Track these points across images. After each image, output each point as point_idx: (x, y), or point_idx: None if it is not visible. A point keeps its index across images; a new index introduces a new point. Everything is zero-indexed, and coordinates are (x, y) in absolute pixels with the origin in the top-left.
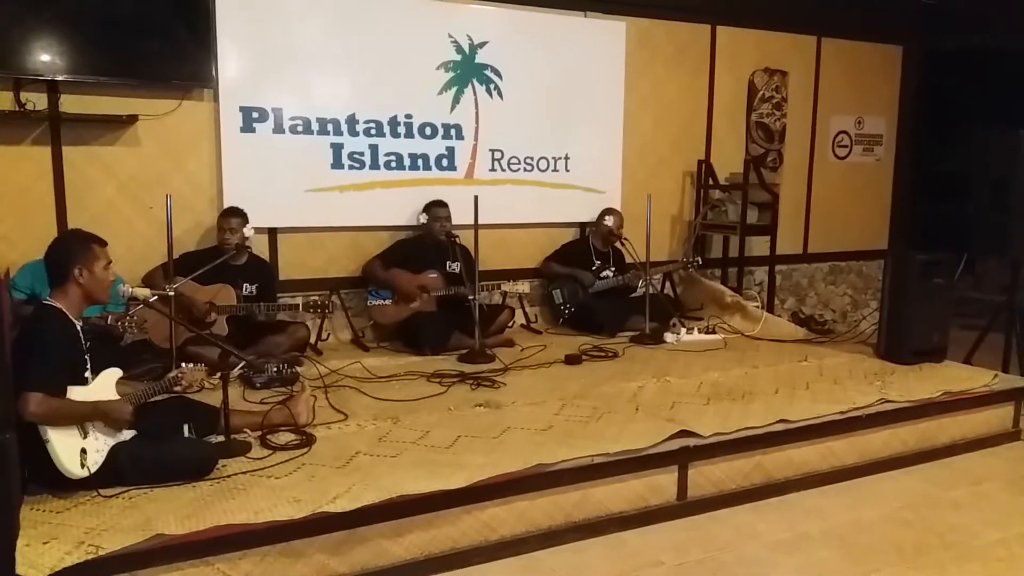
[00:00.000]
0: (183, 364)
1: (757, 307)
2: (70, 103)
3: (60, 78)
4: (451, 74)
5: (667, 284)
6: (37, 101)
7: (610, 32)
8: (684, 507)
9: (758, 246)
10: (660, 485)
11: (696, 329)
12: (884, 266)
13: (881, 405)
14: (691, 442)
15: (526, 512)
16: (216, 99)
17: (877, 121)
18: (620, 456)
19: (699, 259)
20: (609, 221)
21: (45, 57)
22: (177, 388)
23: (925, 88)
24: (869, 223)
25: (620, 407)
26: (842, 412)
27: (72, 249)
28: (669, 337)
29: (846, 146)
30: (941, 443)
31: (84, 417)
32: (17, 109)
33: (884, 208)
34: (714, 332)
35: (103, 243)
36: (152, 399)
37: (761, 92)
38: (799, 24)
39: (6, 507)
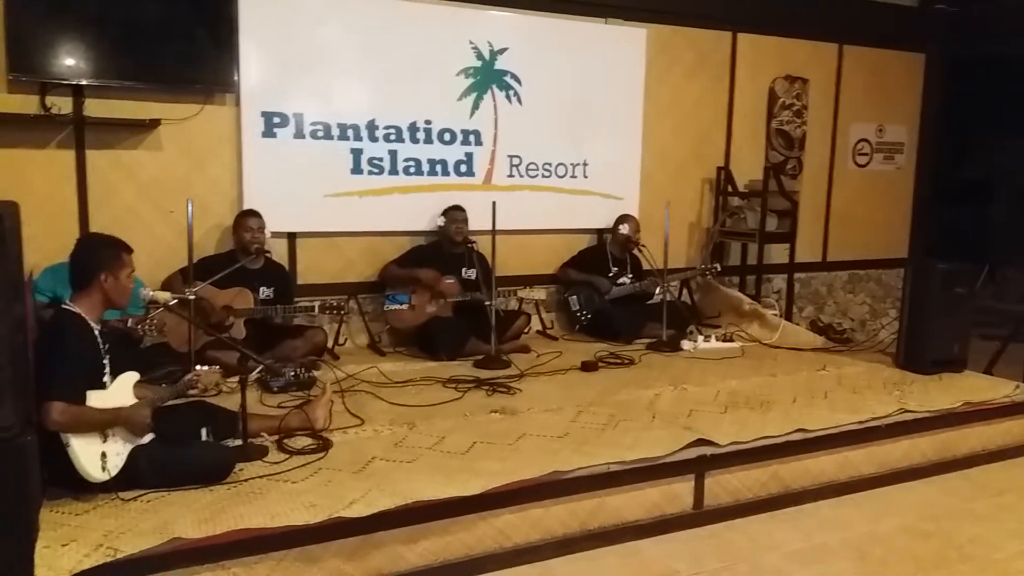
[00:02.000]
0: (197, 367)
1: (775, 315)
2: (94, 107)
3: (85, 82)
4: (471, 80)
5: (684, 291)
6: (62, 105)
7: (630, 39)
8: (700, 516)
9: (777, 254)
10: (676, 494)
11: (714, 337)
12: (904, 275)
13: (900, 415)
14: (708, 451)
15: (541, 520)
16: (238, 104)
17: (898, 129)
18: (636, 464)
19: (717, 266)
20: (624, 229)
21: (70, 62)
22: (192, 392)
23: (947, 96)
24: (889, 231)
25: (636, 415)
26: (861, 422)
27: (101, 254)
28: (686, 345)
29: (867, 154)
30: (961, 454)
31: (104, 424)
32: (43, 113)
33: (904, 216)
34: (732, 340)
35: (130, 250)
36: (168, 403)
37: (782, 99)
38: (820, 32)
39: (26, 509)
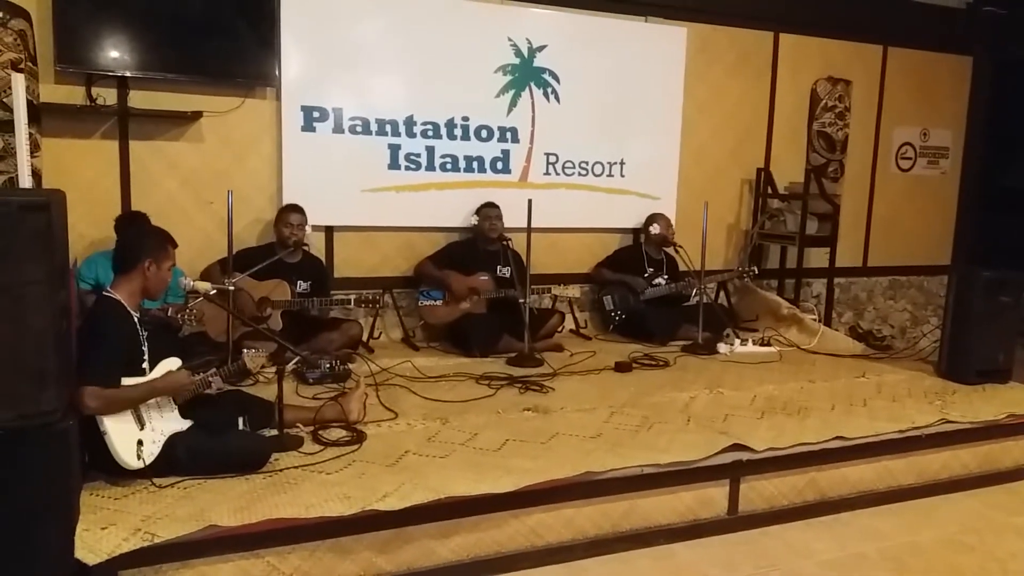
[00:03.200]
0: (244, 350)
1: (814, 320)
2: (138, 99)
3: (129, 74)
4: (509, 77)
5: (721, 293)
6: (107, 96)
7: (671, 37)
8: (734, 522)
9: (816, 258)
10: (710, 498)
11: (750, 340)
12: (947, 282)
13: (942, 425)
14: (744, 456)
15: (573, 520)
16: (278, 98)
17: (943, 133)
18: (670, 467)
19: (755, 268)
20: (656, 228)
21: (116, 54)
22: (209, 391)
23: (995, 100)
24: (932, 237)
25: (671, 417)
26: (901, 431)
27: (149, 241)
28: (722, 348)
29: (910, 158)
30: (1005, 467)
31: (141, 399)
32: (88, 104)
33: (948, 222)
34: (769, 344)
35: (175, 244)
36: (206, 392)
37: (824, 101)
38: (864, 33)
39: (67, 493)
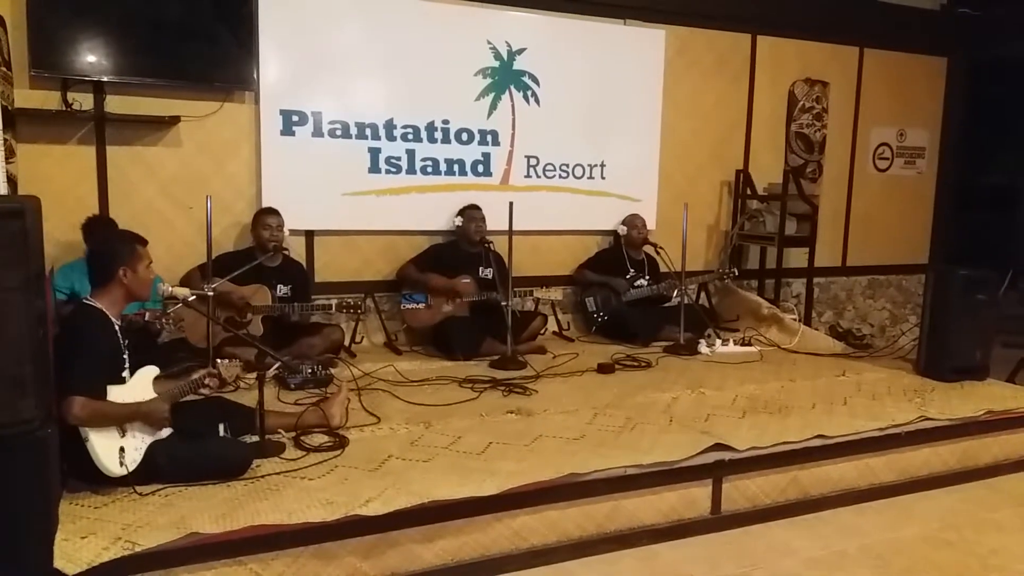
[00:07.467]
0: (219, 360)
1: (794, 320)
2: (115, 104)
3: (106, 79)
4: (489, 80)
5: (702, 294)
6: (84, 101)
7: (649, 40)
8: (718, 521)
9: (796, 258)
10: (694, 498)
11: (732, 341)
12: (925, 281)
13: (921, 422)
14: (726, 455)
15: (557, 522)
16: (257, 102)
17: (920, 133)
18: (653, 468)
19: (735, 269)
20: (623, 229)
21: (92, 58)
22: (203, 391)
23: (970, 100)
24: (910, 237)
25: (654, 418)
26: (881, 428)
27: (117, 250)
28: (704, 348)
29: (887, 158)
30: (984, 463)
31: (124, 419)
32: (64, 109)
33: (925, 221)
34: (750, 344)
35: (145, 242)
36: (186, 398)
37: (801, 102)
38: (841, 34)
39: (46, 502)
